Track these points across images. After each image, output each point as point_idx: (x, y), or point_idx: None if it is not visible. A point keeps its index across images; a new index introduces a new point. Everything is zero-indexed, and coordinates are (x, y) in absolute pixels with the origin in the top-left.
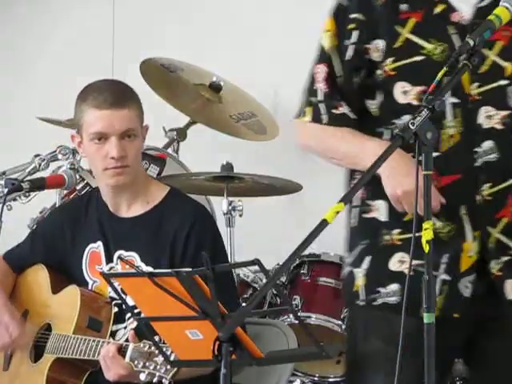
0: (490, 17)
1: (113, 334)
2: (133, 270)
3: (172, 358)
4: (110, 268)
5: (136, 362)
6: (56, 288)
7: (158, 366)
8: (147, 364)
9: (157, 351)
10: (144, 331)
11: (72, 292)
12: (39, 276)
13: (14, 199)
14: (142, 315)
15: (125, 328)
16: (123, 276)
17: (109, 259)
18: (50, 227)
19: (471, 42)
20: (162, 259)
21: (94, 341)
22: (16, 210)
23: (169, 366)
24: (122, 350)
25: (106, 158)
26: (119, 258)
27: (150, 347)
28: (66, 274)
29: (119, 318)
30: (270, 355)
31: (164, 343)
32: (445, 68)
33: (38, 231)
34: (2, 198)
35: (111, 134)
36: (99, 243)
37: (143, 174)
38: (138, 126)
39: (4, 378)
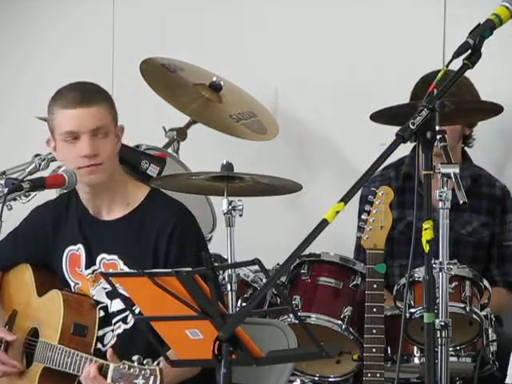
0: (491, 16)
1: (100, 339)
2: (133, 270)
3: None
4: (93, 271)
5: (117, 383)
6: (41, 290)
7: None
8: None
9: (136, 373)
10: (143, 331)
11: (54, 297)
12: (25, 276)
13: (14, 199)
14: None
15: (112, 331)
16: (123, 276)
17: (91, 262)
18: (32, 226)
19: (471, 42)
20: (145, 262)
21: (77, 355)
22: (16, 209)
23: None
24: (102, 370)
25: (78, 157)
26: (104, 260)
27: (129, 368)
28: (50, 273)
29: (105, 322)
30: (270, 355)
31: (143, 364)
32: (445, 68)
33: (19, 230)
34: (1, 198)
35: (82, 132)
36: (79, 246)
37: (121, 174)
38: (109, 123)
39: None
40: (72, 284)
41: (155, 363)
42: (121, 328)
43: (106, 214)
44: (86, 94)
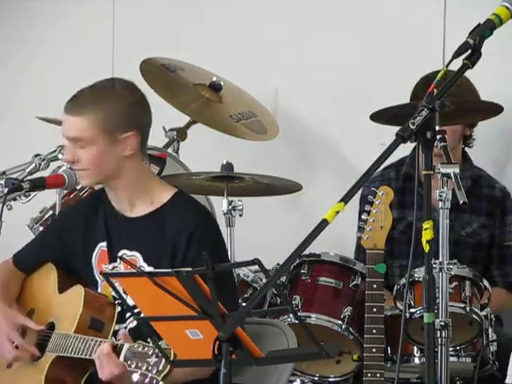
0: (491, 16)
1: (114, 334)
2: (133, 270)
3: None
4: (113, 268)
5: (129, 362)
6: (63, 287)
7: (150, 367)
8: (140, 364)
9: (150, 352)
10: (144, 331)
11: (76, 291)
12: (48, 275)
13: (14, 199)
14: (142, 315)
15: (125, 328)
16: (123, 276)
17: (113, 259)
18: (59, 226)
19: (471, 42)
20: (164, 260)
21: (92, 340)
22: (16, 209)
23: (161, 367)
24: (116, 350)
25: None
26: (120, 257)
27: (143, 348)
28: (75, 273)
29: (121, 318)
30: (270, 355)
31: (158, 345)
32: (445, 68)
33: (46, 231)
34: (1, 198)
35: (65, 137)
36: (105, 243)
37: (137, 176)
38: (90, 134)
39: (7, 375)
40: (99, 281)
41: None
42: (133, 323)
43: (129, 211)
44: (79, 100)
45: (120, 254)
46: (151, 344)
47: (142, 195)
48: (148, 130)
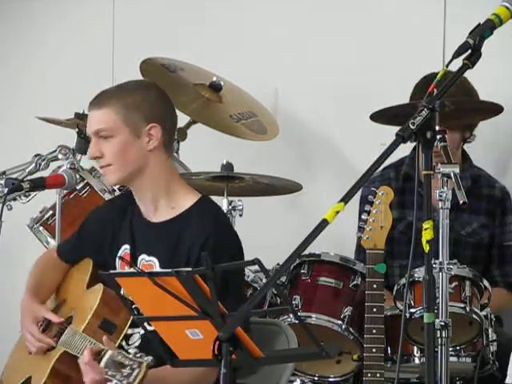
0: (491, 16)
1: (127, 338)
2: (133, 270)
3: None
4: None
5: (107, 370)
6: (92, 284)
7: (122, 378)
8: (114, 373)
9: (126, 362)
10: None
11: (96, 290)
12: (85, 270)
13: (14, 199)
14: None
15: (139, 334)
16: (123, 276)
17: (134, 262)
18: (98, 221)
19: (471, 42)
20: (179, 267)
21: (93, 343)
22: (16, 209)
23: (131, 379)
24: (101, 355)
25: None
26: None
27: (122, 357)
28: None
29: (136, 322)
30: (270, 355)
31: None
32: (445, 68)
33: (85, 224)
34: (2, 198)
35: (90, 134)
36: (128, 246)
37: (161, 175)
38: (113, 125)
39: (24, 360)
40: None
41: (149, 358)
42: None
43: (153, 215)
44: (103, 95)
45: (140, 258)
46: (131, 355)
47: (165, 197)
48: (173, 129)
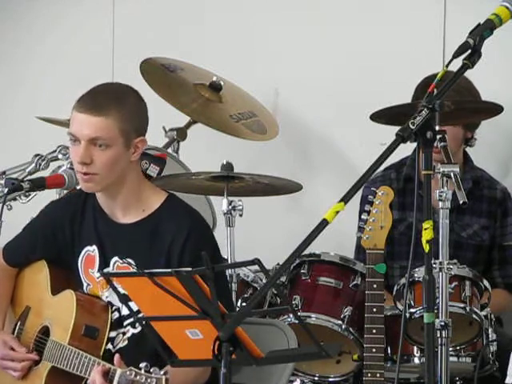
0: (490, 16)
1: (111, 340)
2: (133, 270)
3: None
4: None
5: None
6: (55, 288)
7: None
8: None
9: (142, 380)
10: (147, 333)
11: (68, 297)
12: (41, 273)
13: (14, 199)
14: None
15: (123, 334)
16: (123, 276)
17: (105, 264)
18: (49, 222)
19: (471, 42)
20: (158, 267)
21: (86, 357)
22: (16, 209)
23: None
24: (109, 375)
25: (75, 161)
26: (117, 262)
27: (135, 375)
28: (65, 270)
29: (119, 324)
30: (270, 355)
31: (150, 372)
32: (445, 68)
33: (35, 225)
34: (1, 198)
35: (80, 138)
36: (94, 247)
37: (136, 182)
38: (112, 136)
39: (8, 377)
40: (85, 284)
41: (162, 372)
42: (129, 332)
43: (121, 216)
44: (100, 100)
45: (113, 260)
46: (143, 371)
47: (136, 202)
48: None
